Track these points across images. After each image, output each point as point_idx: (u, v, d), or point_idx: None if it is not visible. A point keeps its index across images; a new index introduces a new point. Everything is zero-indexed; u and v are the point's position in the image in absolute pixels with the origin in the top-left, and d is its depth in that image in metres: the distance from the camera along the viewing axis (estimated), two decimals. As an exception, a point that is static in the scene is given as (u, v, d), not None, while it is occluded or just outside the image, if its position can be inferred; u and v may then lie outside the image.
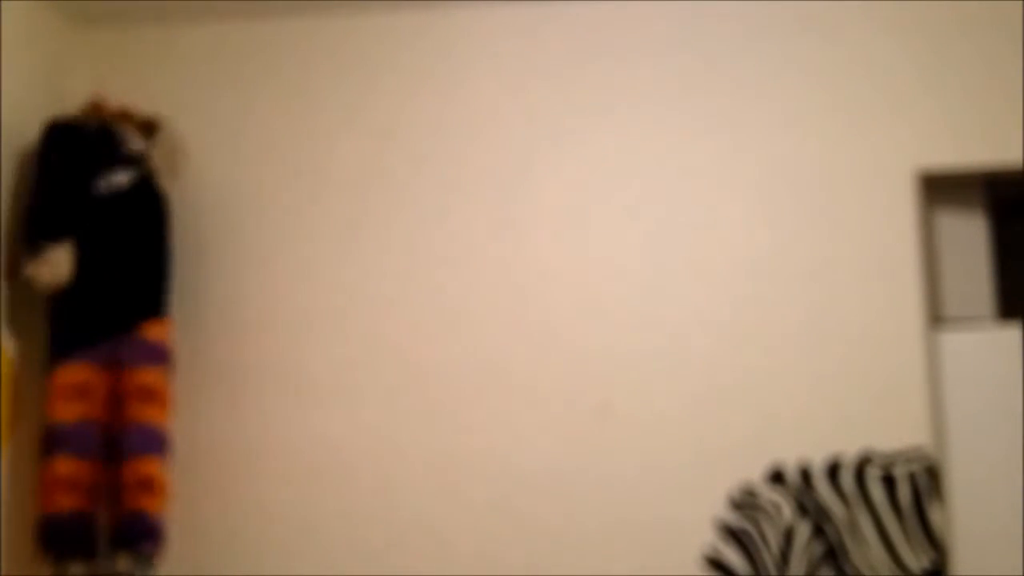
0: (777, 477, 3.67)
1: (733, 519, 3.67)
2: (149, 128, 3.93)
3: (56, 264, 3.62)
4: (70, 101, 3.95)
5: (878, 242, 3.77)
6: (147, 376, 3.68)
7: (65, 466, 3.55)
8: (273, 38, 4.15)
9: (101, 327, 3.66)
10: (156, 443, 3.67)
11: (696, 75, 3.94)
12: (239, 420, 3.91)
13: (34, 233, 3.66)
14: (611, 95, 3.96)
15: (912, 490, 3.62)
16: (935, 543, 3.60)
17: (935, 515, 3.61)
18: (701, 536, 3.67)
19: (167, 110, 4.06)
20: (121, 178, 3.77)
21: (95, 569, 3.55)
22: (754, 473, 3.68)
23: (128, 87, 4.11)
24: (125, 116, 3.91)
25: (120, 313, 3.69)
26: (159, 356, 3.73)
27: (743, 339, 3.76)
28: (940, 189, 3.92)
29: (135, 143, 3.85)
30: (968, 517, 3.67)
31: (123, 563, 3.55)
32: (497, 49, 4.04)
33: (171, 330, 3.80)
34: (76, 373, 3.60)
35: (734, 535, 3.66)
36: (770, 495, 3.67)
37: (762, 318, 3.77)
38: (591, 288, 3.86)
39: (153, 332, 3.73)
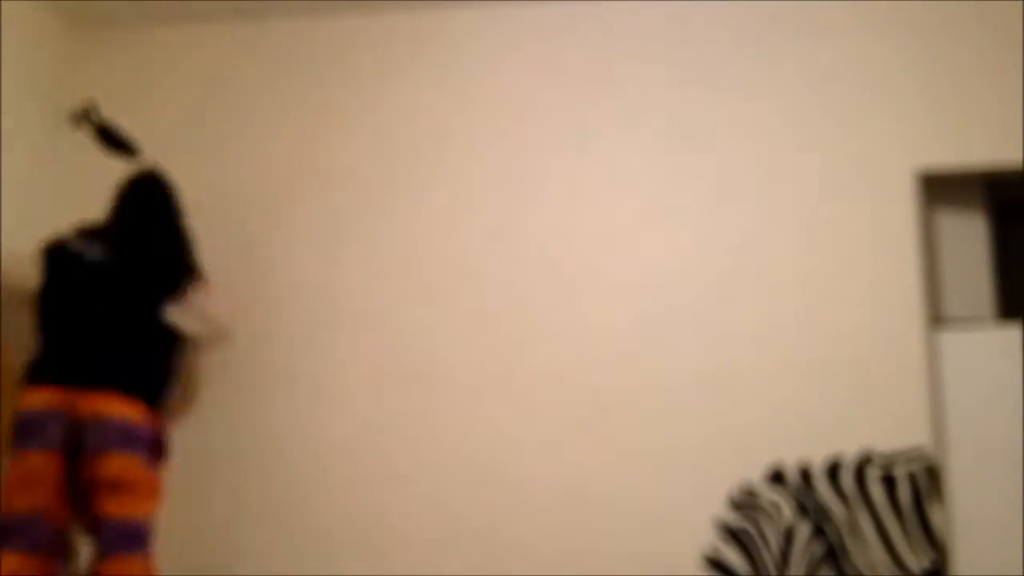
0: (777, 477, 3.67)
1: (733, 519, 3.67)
2: None
3: None
4: (70, 103, 3.95)
5: (878, 242, 3.77)
6: (113, 464, 3.27)
7: (9, 563, 3.21)
8: (277, 40, 4.15)
9: (65, 369, 3.36)
10: (129, 540, 3.30)
11: (697, 77, 3.94)
12: (241, 421, 3.92)
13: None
14: (613, 95, 3.96)
15: (912, 490, 3.62)
16: (935, 543, 3.60)
17: (935, 515, 3.61)
18: (701, 536, 3.67)
19: (169, 112, 4.08)
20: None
21: None
22: (754, 473, 3.68)
23: (131, 89, 4.12)
24: None
25: (88, 367, 3.36)
26: (131, 440, 3.31)
27: (743, 339, 3.76)
28: (940, 189, 3.92)
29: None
30: (968, 517, 3.67)
31: None
32: (504, 50, 4.05)
33: (152, 417, 3.43)
34: (28, 461, 3.27)
35: (734, 535, 3.66)
36: (770, 495, 3.67)
37: (762, 318, 3.77)
38: (592, 290, 3.86)
39: (121, 411, 3.32)
